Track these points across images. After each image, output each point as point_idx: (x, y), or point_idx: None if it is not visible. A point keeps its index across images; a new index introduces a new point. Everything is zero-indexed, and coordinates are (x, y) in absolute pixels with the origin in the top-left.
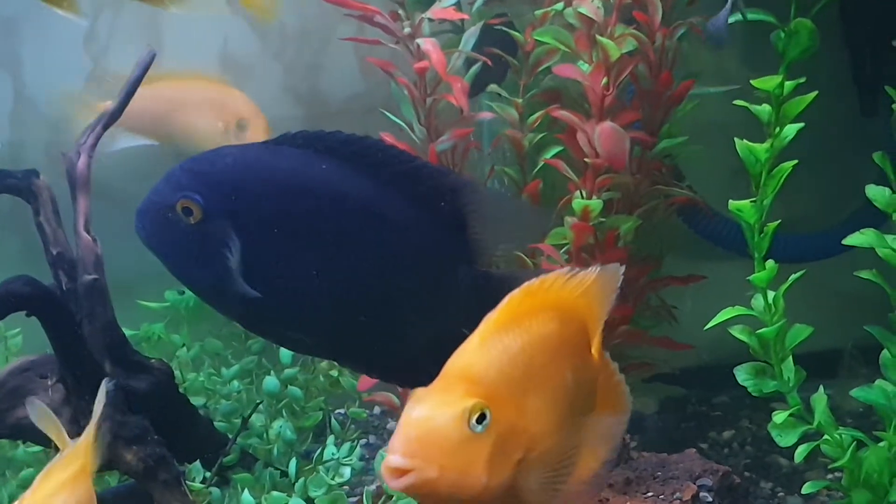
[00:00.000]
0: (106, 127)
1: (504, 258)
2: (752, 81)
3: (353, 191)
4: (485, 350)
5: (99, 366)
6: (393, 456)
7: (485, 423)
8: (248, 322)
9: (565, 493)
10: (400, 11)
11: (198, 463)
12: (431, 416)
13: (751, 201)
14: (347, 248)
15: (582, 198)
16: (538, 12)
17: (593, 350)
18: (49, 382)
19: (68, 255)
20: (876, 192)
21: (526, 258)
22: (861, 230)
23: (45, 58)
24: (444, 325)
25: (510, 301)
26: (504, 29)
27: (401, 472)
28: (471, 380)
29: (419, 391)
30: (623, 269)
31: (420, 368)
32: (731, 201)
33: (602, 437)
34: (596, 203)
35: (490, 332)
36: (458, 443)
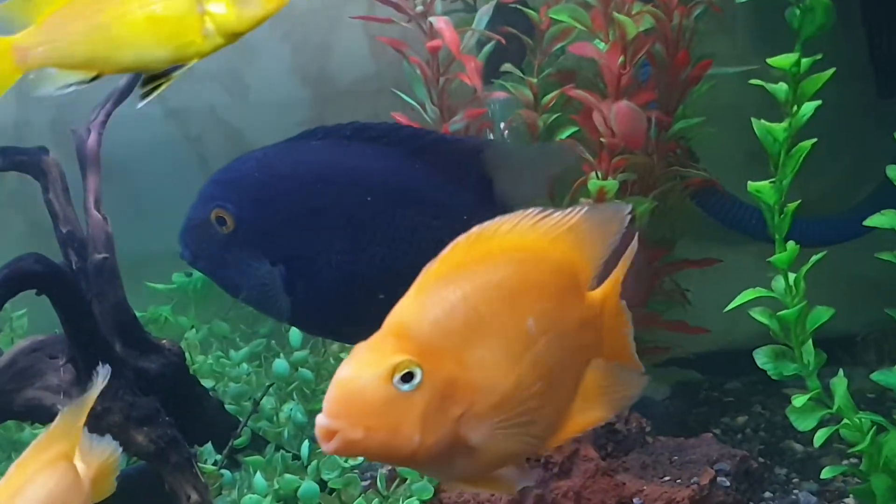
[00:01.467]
0: (116, 104)
1: None
2: (767, 60)
3: (378, 173)
4: (419, 302)
5: (110, 346)
6: (320, 417)
7: (414, 381)
8: (301, 323)
9: (536, 441)
10: None
11: (209, 445)
12: (356, 375)
13: (770, 182)
14: (383, 230)
15: (598, 178)
16: None
17: (598, 293)
18: (59, 363)
19: (78, 234)
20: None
21: None
22: (881, 211)
23: None
24: None
25: (454, 247)
26: (519, 7)
27: (330, 434)
28: (402, 335)
29: (355, 348)
30: (629, 207)
31: None
32: (750, 182)
33: (605, 387)
34: (612, 184)
35: (427, 283)
36: (384, 402)
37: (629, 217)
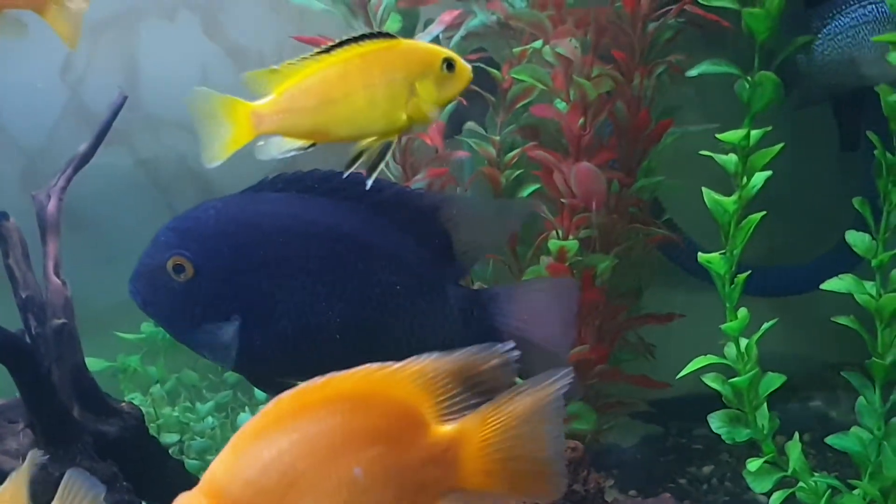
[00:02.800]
0: (76, 170)
1: None
2: (717, 136)
3: (338, 225)
4: (233, 460)
5: (67, 411)
6: None
7: None
8: (254, 375)
9: None
10: None
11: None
12: None
13: (720, 253)
14: (340, 283)
15: (558, 237)
16: (516, 50)
17: (455, 428)
18: (18, 428)
19: (38, 299)
20: (855, 238)
21: None
22: (840, 275)
23: (19, 85)
24: (438, 347)
25: (276, 402)
26: (482, 66)
27: None
28: (215, 495)
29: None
30: (506, 347)
31: None
32: (700, 254)
33: None
34: (572, 243)
35: (243, 440)
36: None
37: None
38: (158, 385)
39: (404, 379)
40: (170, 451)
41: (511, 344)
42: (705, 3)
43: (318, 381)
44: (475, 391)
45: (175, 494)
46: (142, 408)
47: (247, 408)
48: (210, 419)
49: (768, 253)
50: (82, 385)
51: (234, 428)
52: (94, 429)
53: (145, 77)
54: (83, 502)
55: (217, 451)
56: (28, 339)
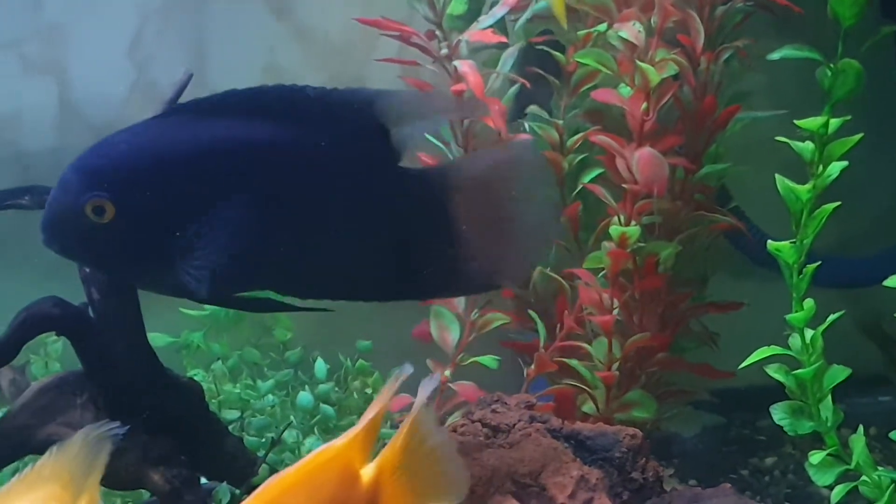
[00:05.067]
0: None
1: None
2: (795, 122)
3: (258, 139)
4: None
5: (128, 384)
6: None
7: None
8: (204, 297)
9: None
10: (437, 32)
11: (224, 485)
12: None
13: (790, 242)
14: (276, 193)
15: (620, 224)
16: (581, 33)
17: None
18: (79, 401)
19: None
20: None
21: (562, 280)
22: None
23: (90, 64)
24: (389, 229)
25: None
26: (546, 49)
27: None
28: None
29: None
30: None
31: (378, 278)
32: (770, 241)
33: None
34: (633, 230)
35: None
36: None
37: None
38: (220, 362)
39: (339, 449)
40: (230, 428)
41: (408, 369)
42: None
43: (277, 476)
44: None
45: (234, 470)
46: (203, 384)
47: (307, 386)
48: (270, 397)
49: (836, 244)
50: (143, 359)
51: (294, 406)
52: (155, 402)
53: (212, 56)
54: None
55: (276, 428)
56: (91, 313)
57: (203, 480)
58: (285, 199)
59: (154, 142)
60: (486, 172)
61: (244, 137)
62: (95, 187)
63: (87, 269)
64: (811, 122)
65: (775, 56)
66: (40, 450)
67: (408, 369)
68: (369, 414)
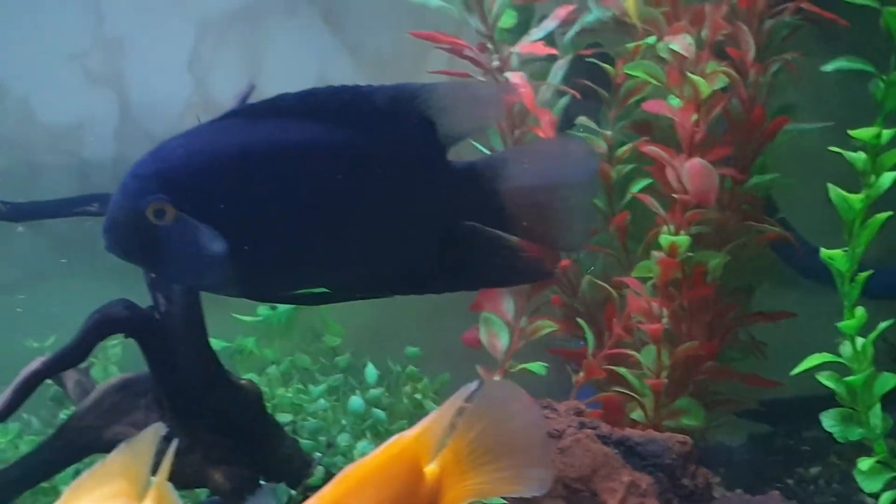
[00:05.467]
0: None
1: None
2: (849, 132)
3: (309, 139)
4: None
5: (192, 386)
6: None
7: None
8: (257, 294)
9: None
10: (488, 45)
11: (283, 485)
12: None
13: (843, 250)
14: (328, 191)
15: (669, 233)
16: (630, 45)
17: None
18: (144, 401)
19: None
20: None
21: (610, 288)
22: None
23: (149, 76)
24: (439, 222)
25: (330, 488)
26: (595, 61)
27: None
28: None
29: None
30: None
31: (430, 271)
32: (823, 250)
33: None
34: (683, 239)
35: None
36: None
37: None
38: (274, 366)
39: (407, 443)
40: None
41: (472, 386)
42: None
43: (352, 466)
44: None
45: (290, 471)
46: None
47: (357, 391)
48: (322, 401)
49: (885, 255)
50: (205, 361)
51: (345, 410)
52: (217, 404)
53: (267, 69)
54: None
55: (328, 431)
56: (157, 317)
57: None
58: (337, 195)
59: (210, 145)
60: (531, 160)
61: (296, 138)
62: (156, 190)
63: (154, 274)
64: (864, 133)
65: (829, 68)
66: (106, 449)
67: (474, 385)
68: (436, 413)
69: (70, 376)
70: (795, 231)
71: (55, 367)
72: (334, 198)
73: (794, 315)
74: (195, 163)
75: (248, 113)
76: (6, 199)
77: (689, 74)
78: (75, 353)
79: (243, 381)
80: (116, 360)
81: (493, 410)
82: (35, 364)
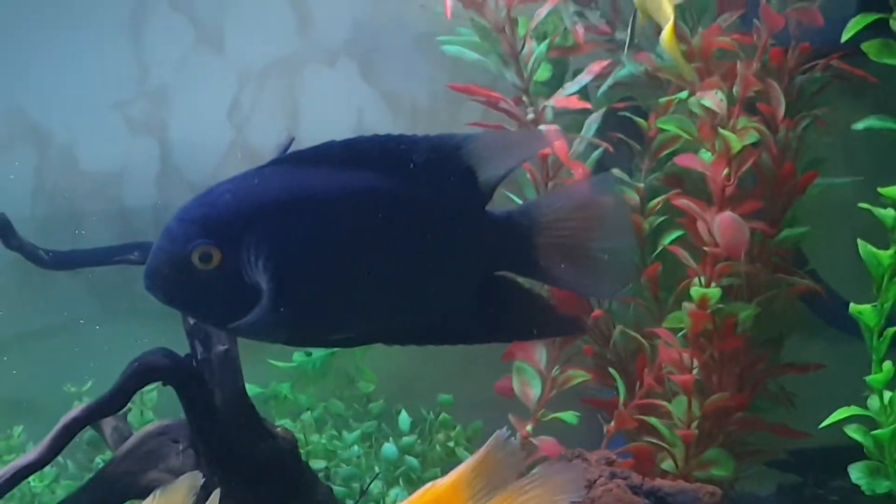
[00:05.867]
0: None
1: None
2: (879, 189)
3: (355, 185)
4: None
5: (228, 433)
6: None
7: None
8: (296, 340)
9: None
10: (524, 97)
11: None
12: None
13: (872, 305)
14: (370, 238)
15: (700, 285)
16: (662, 100)
17: None
18: (181, 447)
19: (204, 327)
20: None
21: (641, 339)
22: None
23: (190, 125)
24: (477, 273)
25: None
26: (628, 115)
27: None
28: None
29: None
30: None
31: (466, 322)
32: (852, 304)
33: None
34: (714, 291)
35: None
36: None
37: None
38: (309, 412)
39: (440, 491)
40: None
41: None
42: (876, 59)
43: None
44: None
45: None
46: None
47: (390, 438)
48: (356, 447)
49: None
50: (242, 409)
51: (378, 457)
52: (251, 451)
53: (305, 118)
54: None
55: (361, 478)
56: (195, 364)
57: None
58: (379, 243)
59: (257, 191)
60: (568, 207)
61: (340, 185)
62: (202, 234)
63: (192, 321)
64: (893, 191)
65: (860, 126)
66: (143, 495)
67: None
68: (469, 462)
69: (108, 422)
70: (825, 283)
71: (95, 415)
72: (377, 245)
73: (823, 366)
74: (242, 209)
75: (294, 160)
76: (48, 247)
77: (721, 130)
78: (115, 401)
79: (279, 429)
80: (153, 406)
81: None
82: (75, 411)
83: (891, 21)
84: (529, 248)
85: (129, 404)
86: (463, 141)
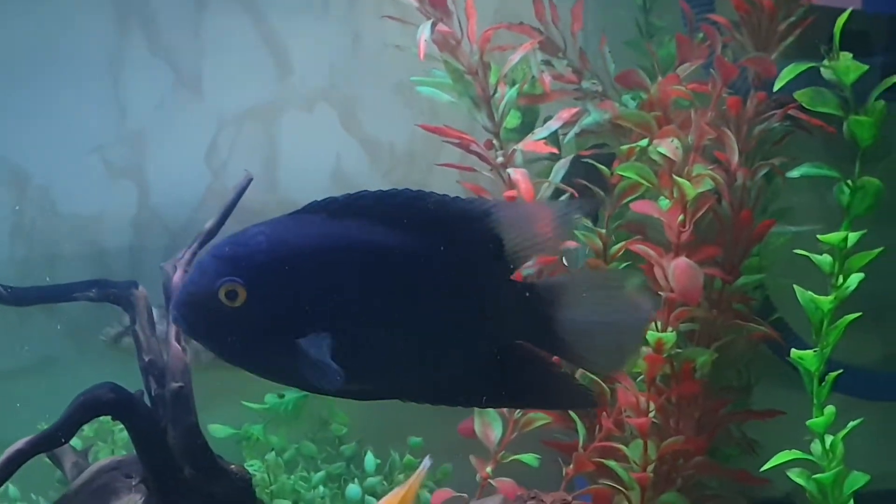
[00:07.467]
0: (201, 245)
1: None
2: (818, 236)
3: (386, 242)
4: None
5: (180, 469)
6: None
7: None
8: (309, 387)
9: None
10: (494, 141)
11: None
12: None
13: (812, 351)
14: (394, 294)
15: (657, 330)
16: (623, 147)
17: None
18: (133, 482)
19: (159, 363)
20: None
21: (602, 383)
22: None
23: (168, 169)
24: (492, 338)
25: None
26: (591, 161)
27: None
28: None
29: None
30: None
31: (481, 388)
32: (793, 350)
33: None
34: (669, 336)
35: None
36: None
37: None
38: (274, 453)
39: None
40: None
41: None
42: (810, 107)
43: None
44: None
45: None
46: (259, 474)
47: (356, 479)
48: (322, 488)
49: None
50: (194, 446)
51: (344, 498)
52: (204, 488)
53: (283, 163)
54: None
55: None
56: (148, 400)
57: None
58: (406, 300)
59: (287, 235)
60: (590, 291)
61: (368, 238)
62: (231, 272)
63: (146, 358)
64: (831, 238)
65: (795, 174)
66: None
67: (427, 462)
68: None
69: (68, 457)
70: (790, 330)
71: (39, 447)
72: (404, 302)
73: (783, 413)
74: (274, 251)
75: (327, 208)
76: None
77: (675, 177)
78: (58, 434)
79: (233, 467)
80: (124, 444)
81: None
82: (19, 443)
83: (821, 69)
84: (548, 323)
85: (99, 442)
86: (493, 208)
